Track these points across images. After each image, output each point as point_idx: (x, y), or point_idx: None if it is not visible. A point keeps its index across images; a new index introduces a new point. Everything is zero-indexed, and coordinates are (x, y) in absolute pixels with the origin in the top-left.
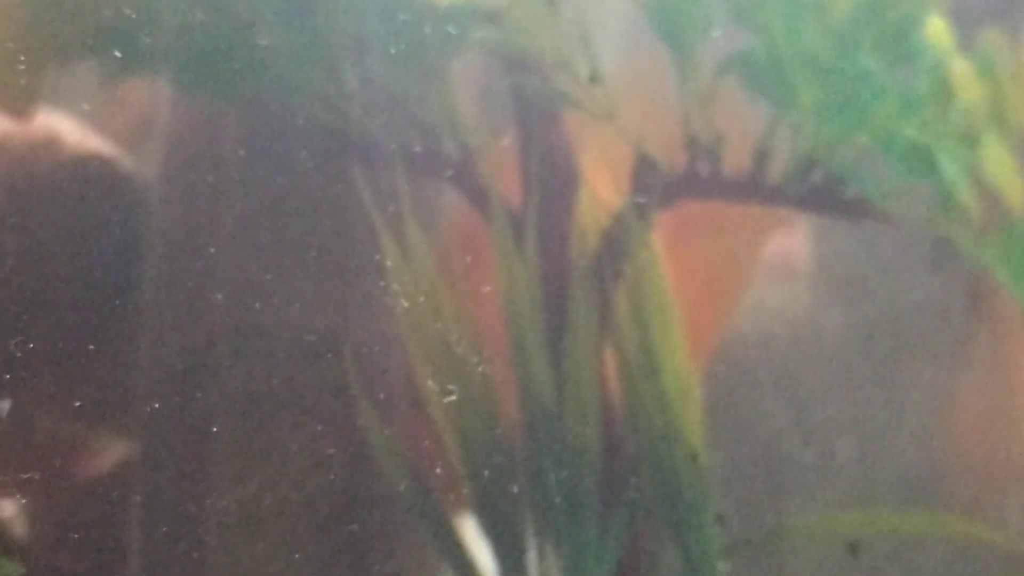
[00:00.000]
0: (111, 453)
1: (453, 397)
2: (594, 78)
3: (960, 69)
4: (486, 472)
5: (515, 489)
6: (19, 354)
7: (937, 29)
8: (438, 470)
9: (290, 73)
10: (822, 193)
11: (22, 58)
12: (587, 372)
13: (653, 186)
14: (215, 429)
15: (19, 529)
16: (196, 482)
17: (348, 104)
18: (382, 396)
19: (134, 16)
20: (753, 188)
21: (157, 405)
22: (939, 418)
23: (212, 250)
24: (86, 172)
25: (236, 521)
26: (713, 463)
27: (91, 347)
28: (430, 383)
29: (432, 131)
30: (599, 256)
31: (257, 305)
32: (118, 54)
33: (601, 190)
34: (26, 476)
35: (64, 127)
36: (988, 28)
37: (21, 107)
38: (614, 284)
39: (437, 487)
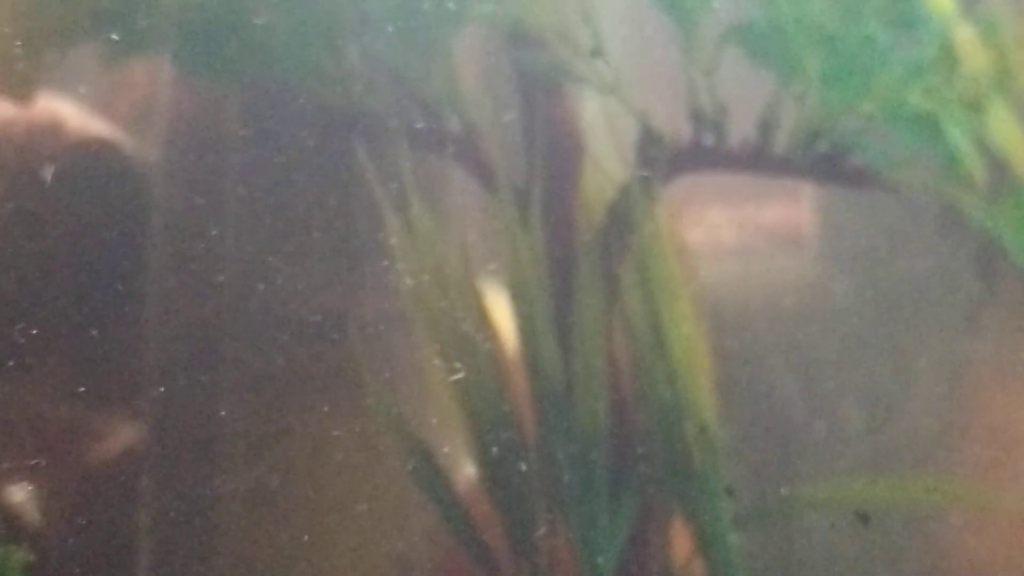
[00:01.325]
0: (119, 438)
1: (460, 375)
2: (596, 51)
3: (964, 35)
4: (495, 449)
5: (524, 466)
6: (25, 340)
7: None
8: (446, 448)
9: (291, 52)
10: (828, 163)
11: (22, 42)
12: (595, 347)
13: (658, 159)
14: (222, 412)
15: (29, 515)
16: (204, 465)
17: (350, 82)
18: (389, 375)
19: None
20: (758, 159)
21: (164, 389)
22: (949, 385)
23: (216, 232)
24: (88, 155)
25: (245, 503)
26: (723, 435)
27: (97, 332)
28: (436, 361)
29: (435, 107)
30: (605, 230)
31: (262, 286)
32: (117, 36)
33: (605, 164)
34: (35, 462)
35: (66, 111)
36: None
37: (22, 91)
38: (620, 258)
39: (446, 465)
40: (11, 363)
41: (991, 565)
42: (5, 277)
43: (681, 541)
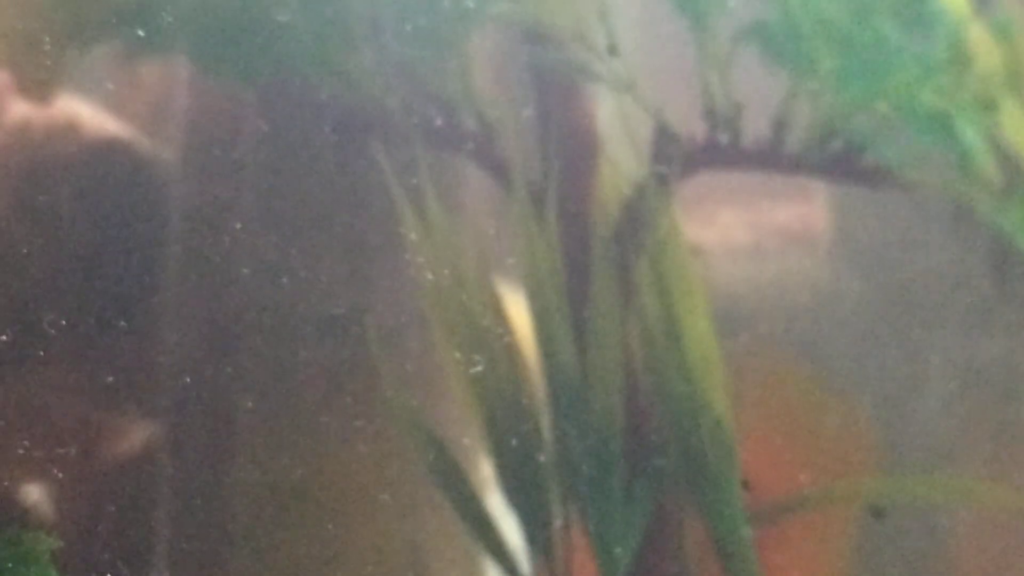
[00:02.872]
0: (138, 433)
1: (479, 368)
2: (612, 49)
3: (977, 34)
4: (512, 443)
5: (541, 459)
6: (47, 337)
7: None
8: (464, 442)
9: (308, 50)
10: (841, 161)
11: (41, 41)
12: (610, 342)
13: (672, 157)
14: (243, 407)
15: (48, 510)
16: (223, 460)
17: (367, 80)
18: (407, 370)
19: None
20: (772, 157)
21: (184, 384)
22: (961, 384)
23: (235, 229)
24: (107, 155)
25: (263, 497)
26: (737, 431)
27: (116, 329)
28: (454, 356)
29: (451, 105)
30: (620, 227)
31: (281, 283)
32: (138, 34)
33: (621, 162)
34: (54, 457)
35: (83, 110)
36: None
37: (41, 91)
38: (635, 255)
39: (463, 459)
40: (34, 359)
41: (1002, 563)
42: (24, 276)
43: (696, 534)
